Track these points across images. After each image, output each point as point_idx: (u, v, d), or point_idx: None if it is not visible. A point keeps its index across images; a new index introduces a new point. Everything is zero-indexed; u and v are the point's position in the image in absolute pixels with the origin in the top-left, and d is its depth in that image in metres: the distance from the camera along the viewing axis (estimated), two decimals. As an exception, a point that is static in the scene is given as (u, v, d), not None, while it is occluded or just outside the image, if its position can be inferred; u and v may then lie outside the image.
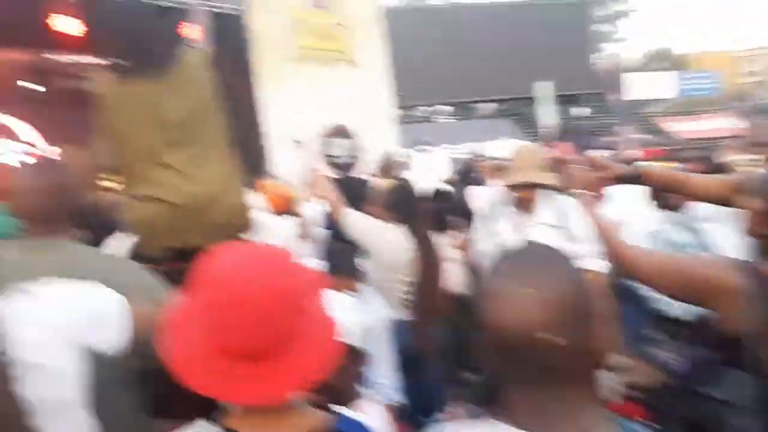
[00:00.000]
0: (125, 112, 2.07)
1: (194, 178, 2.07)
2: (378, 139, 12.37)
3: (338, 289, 2.02)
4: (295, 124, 10.60)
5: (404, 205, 2.79)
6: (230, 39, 11.10)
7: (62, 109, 14.35)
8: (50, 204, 1.48)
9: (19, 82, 13.63)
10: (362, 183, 3.57)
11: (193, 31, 10.06)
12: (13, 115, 13.29)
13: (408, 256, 2.70)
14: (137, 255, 2.01)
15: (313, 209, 3.99)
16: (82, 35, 9.17)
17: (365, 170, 7.34)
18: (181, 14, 9.93)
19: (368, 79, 11.87)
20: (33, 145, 12.44)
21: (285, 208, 4.07)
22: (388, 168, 5.49)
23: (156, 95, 2.06)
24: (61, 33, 9.07)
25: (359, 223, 2.72)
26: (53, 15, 8.83)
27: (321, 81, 11.09)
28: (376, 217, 2.79)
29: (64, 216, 1.53)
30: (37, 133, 13.15)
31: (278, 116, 10.29)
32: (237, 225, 2.18)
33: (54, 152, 12.50)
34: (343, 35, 11.80)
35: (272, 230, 3.51)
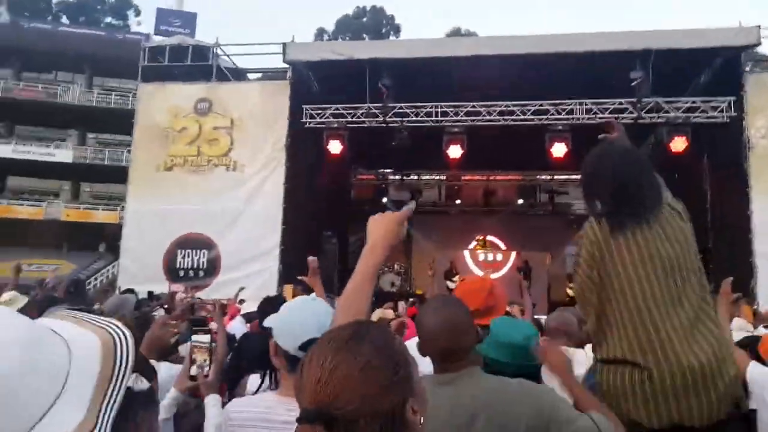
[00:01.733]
0: (611, 259, 1.87)
1: (687, 343, 1.74)
2: None
3: None
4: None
5: None
6: (721, 148, 10.45)
7: (545, 222, 16.47)
8: (451, 339, 1.53)
9: (516, 200, 16.58)
10: None
11: (678, 143, 10.02)
12: (502, 227, 16.04)
13: None
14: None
15: None
16: (569, 157, 10.42)
17: None
18: (666, 128, 10.11)
19: None
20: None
21: None
22: None
23: (648, 242, 1.85)
24: (555, 157, 10.56)
25: None
26: (551, 142, 10.42)
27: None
28: None
29: (462, 349, 1.56)
30: (514, 243, 15.31)
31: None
32: (731, 400, 1.78)
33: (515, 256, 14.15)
34: None
35: None
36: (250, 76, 13.36)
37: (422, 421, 0.86)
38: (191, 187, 10.71)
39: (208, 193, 10.60)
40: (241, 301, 7.65)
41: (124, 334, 0.74)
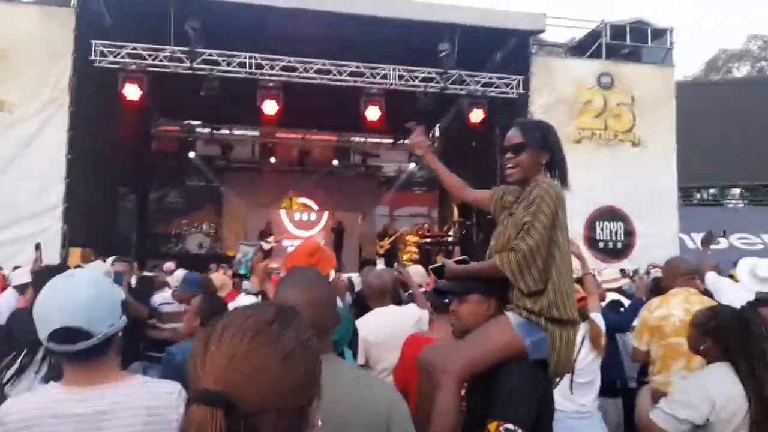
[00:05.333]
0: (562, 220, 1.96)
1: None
2: (656, 224, 11.08)
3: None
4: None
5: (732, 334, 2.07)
6: (510, 121, 11.62)
7: (358, 184, 17.02)
8: (316, 318, 1.32)
9: (332, 161, 16.76)
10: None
11: (476, 115, 10.96)
12: (316, 187, 16.23)
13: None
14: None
15: None
16: (382, 121, 10.77)
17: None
18: (467, 100, 10.97)
19: (651, 159, 11.03)
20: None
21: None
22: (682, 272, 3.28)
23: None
24: (369, 120, 10.81)
25: None
26: (366, 105, 10.61)
27: (598, 161, 10.76)
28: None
29: (326, 330, 1.44)
30: (328, 203, 15.72)
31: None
32: None
33: (331, 218, 14.61)
34: (629, 114, 11.33)
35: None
36: (22, -2, 11.10)
37: (319, 424, 0.78)
38: (-63, 129, 8.64)
39: (-37, 137, 8.66)
40: (16, 268, 6.48)
41: None
